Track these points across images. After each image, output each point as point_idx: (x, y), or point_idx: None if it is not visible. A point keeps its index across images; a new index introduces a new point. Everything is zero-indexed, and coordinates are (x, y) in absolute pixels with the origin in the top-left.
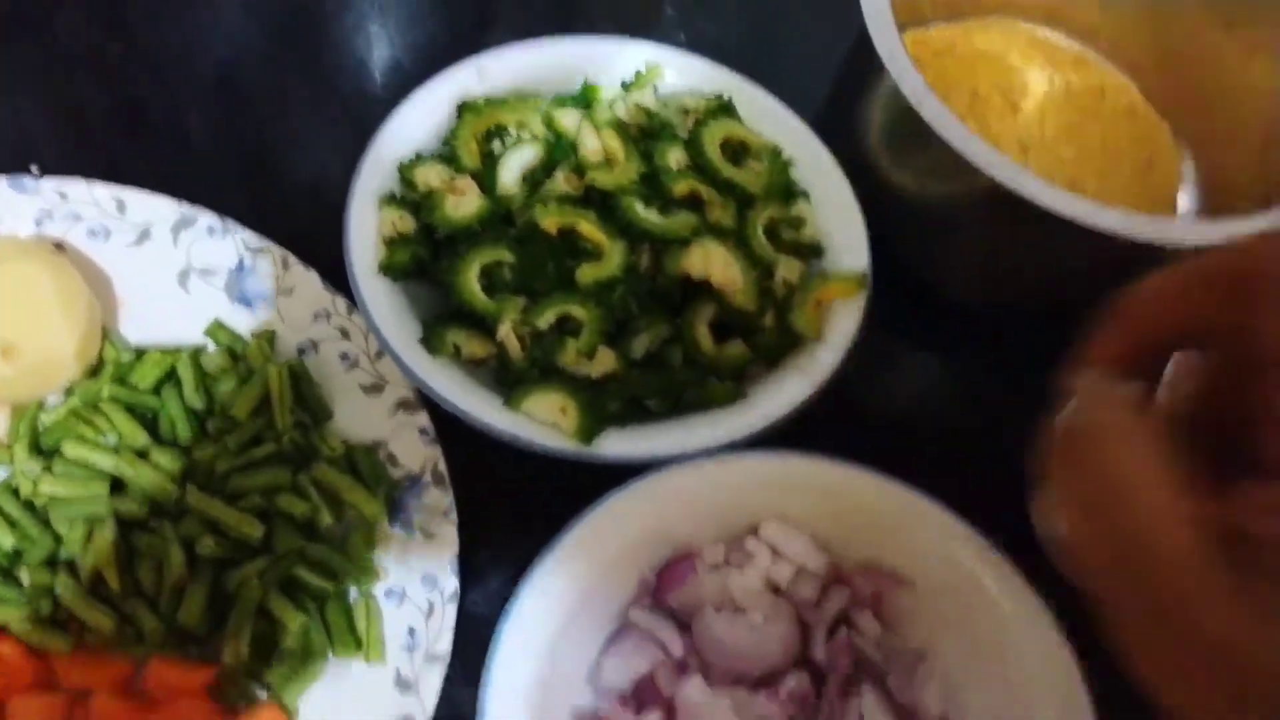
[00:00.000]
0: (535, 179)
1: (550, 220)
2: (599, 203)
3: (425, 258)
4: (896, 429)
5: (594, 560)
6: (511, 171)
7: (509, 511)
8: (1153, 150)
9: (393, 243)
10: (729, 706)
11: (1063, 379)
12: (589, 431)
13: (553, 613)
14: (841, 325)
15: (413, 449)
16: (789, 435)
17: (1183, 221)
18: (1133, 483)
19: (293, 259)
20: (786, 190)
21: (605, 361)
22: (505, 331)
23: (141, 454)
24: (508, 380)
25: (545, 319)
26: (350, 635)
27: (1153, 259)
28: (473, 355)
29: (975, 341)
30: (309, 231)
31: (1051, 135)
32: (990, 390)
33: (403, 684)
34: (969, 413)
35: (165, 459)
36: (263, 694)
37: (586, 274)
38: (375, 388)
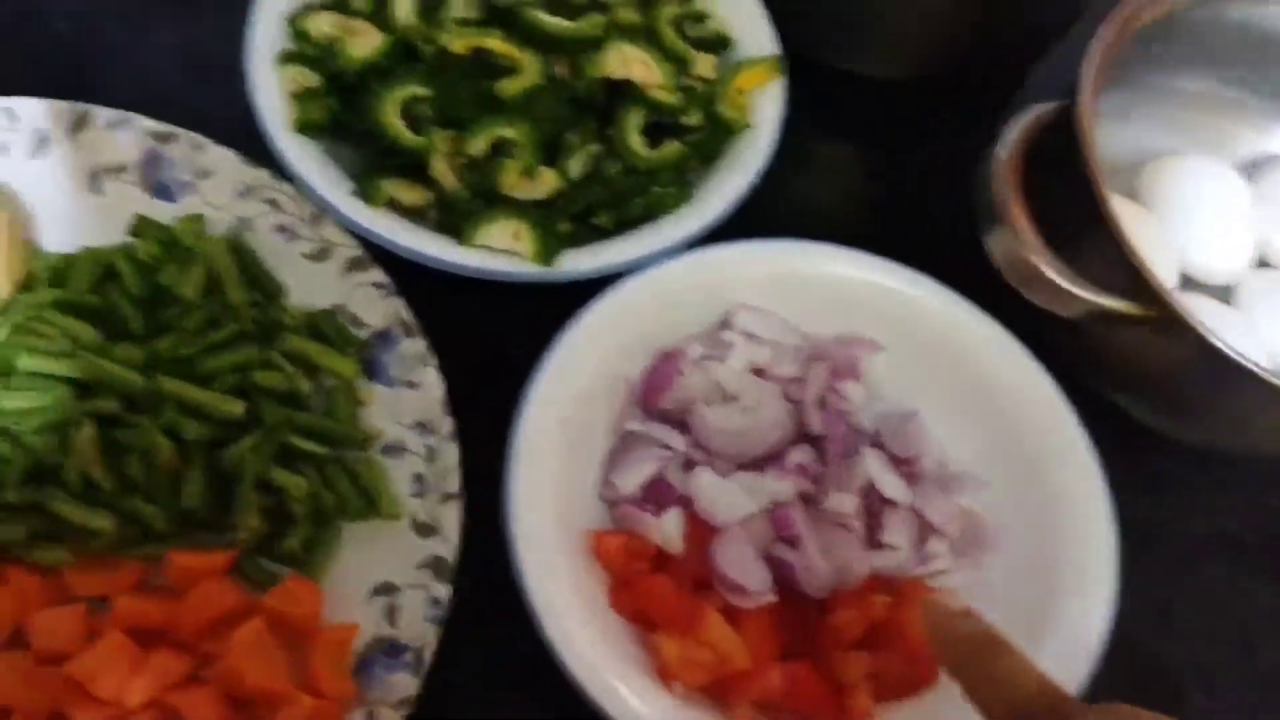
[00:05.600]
0: (431, 8)
1: (458, 42)
2: (503, 21)
3: (338, 111)
4: (835, 209)
5: (580, 378)
6: (405, 4)
7: (482, 349)
8: None
9: (301, 99)
10: (742, 489)
11: None
12: (548, 251)
13: (554, 435)
14: (766, 111)
15: (372, 306)
16: (737, 230)
17: None
18: None
19: (204, 140)
20: None
21: (548, 181)
22: (439, 166)
23: (100, 352)
24: (451, 223)
25: (477, 145)
26: (358, 495)
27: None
28: (410, 203)
29: (893, 117)
30: (212, 110)
31: None
32: (913, 158)
33: (422, 529)
34: (898, 183)
35: (125, 351)
36: (285, 571)
37: (508, 86)
38: (321, 253)
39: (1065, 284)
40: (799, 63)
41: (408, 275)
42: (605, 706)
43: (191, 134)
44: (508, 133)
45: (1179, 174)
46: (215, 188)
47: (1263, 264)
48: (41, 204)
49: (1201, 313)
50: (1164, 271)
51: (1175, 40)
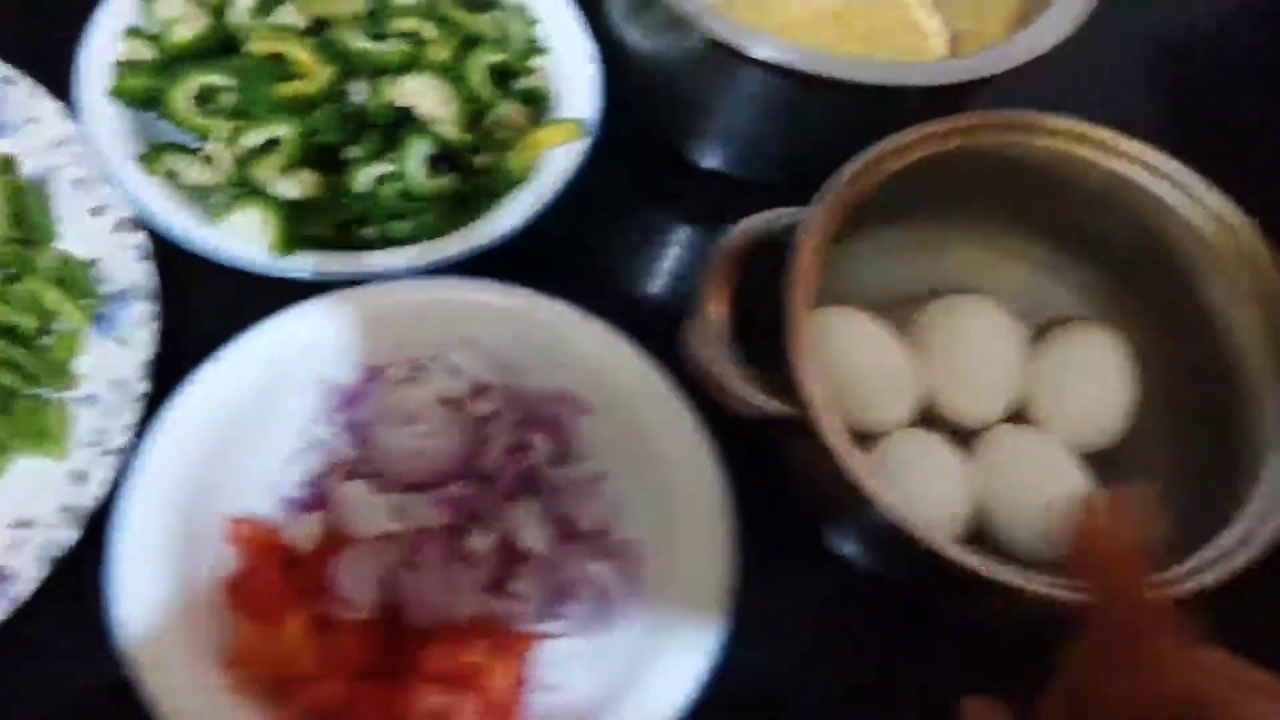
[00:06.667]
0: (269, 11)
1: (262, 44)
2: (322, 34)
3: (153, 85)
4: (614, 277)
5: (269, 367)
6: (245, 2)
7: (217, 328)
8: (918, 39)
9: (128, 68)
10: (385, 507)
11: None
12: (284, 245)
13: (219, 411)
14: (555, 168)
15: (125, 266)
16: (507, 270)
17: (922, 65)
18: None
19: (41, 89)
20: (528, 43)
21: (308, 182)
22: (213, 148)
23: None
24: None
25: (252, 138)
26: (34, 432)
27: (891, 117)
28: (197, 182)
29: (711, 206)
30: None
31: (811, 19)
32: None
33: (77, 476)
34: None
35: None
36: None
37: (285, 89)
38: (99, 210)
39: (731, 382)
40: (652, 145)
41: (173, 244)
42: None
43: (32, 82)
44: (279, 131)
45: (951, 314)
46: (36, 133)
47: (1019, 418)
48: None
49: (901, 445)
50: (900, 404)
51: (971, 177)
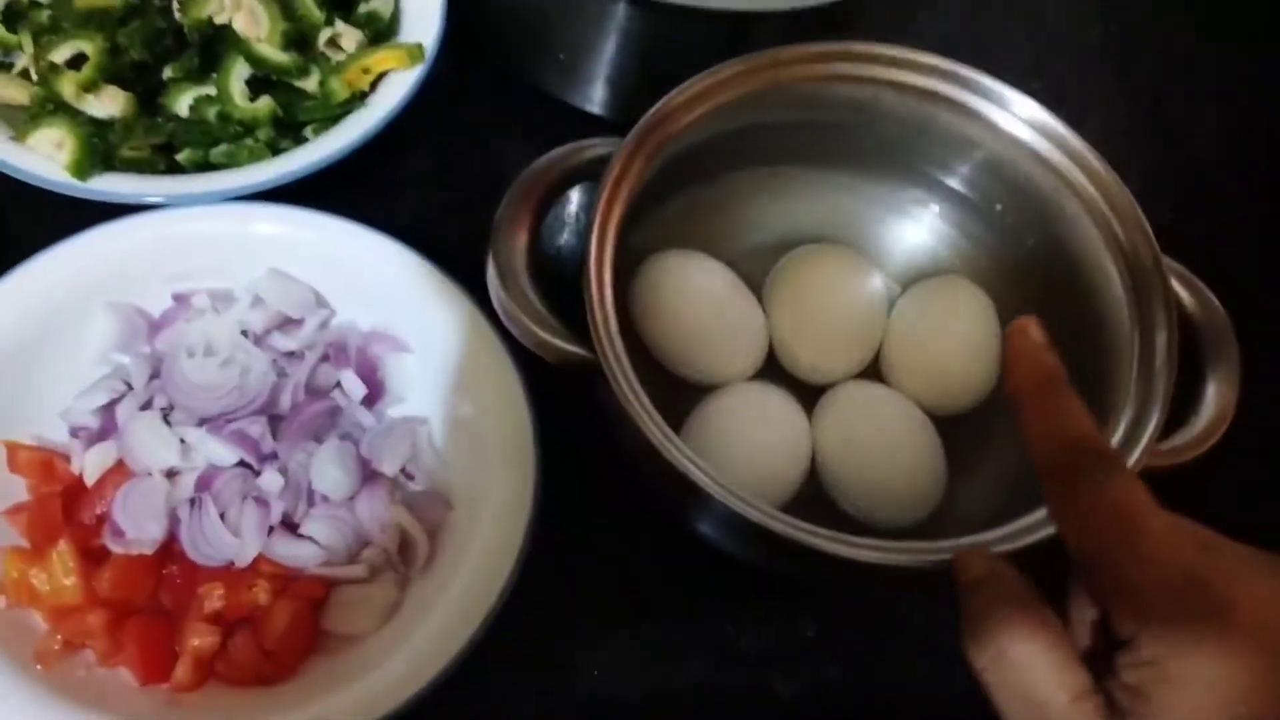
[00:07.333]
0: None
1: None
2: None
3: None
4: (452, 215)
5: (67, 290)
6: None
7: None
8: None
9: None
10: (173, 441)
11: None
12: (83, 167)
13: (8, 333)
14: (389, 94)
15: None
16: (336, 200)
17: None
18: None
19: None
20: None
21: (113, 100)
22: (25, 62)
23: None
24: None
25: (60, 53)
26: None
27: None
28: (11, 99)
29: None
30: None
31: None
32: None
33: None
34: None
35: None
36: None
37: (85, 2)
38: None
39: (525, 319)
40: (506, 79)
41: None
42: None
43: None
44: (84, 46)
45: (806, 264)
46: None
47: (876, 378)
48: None
49: (738, 398)
50: (745, 356)
51: (833, 120)
